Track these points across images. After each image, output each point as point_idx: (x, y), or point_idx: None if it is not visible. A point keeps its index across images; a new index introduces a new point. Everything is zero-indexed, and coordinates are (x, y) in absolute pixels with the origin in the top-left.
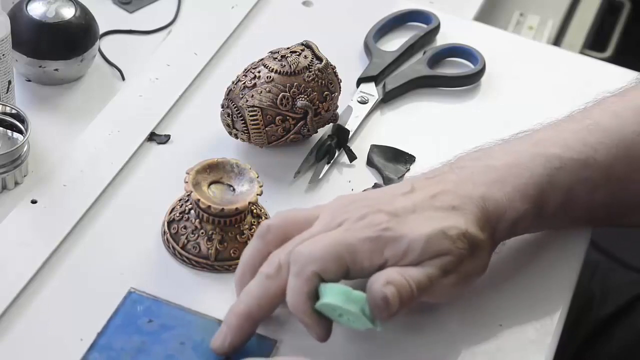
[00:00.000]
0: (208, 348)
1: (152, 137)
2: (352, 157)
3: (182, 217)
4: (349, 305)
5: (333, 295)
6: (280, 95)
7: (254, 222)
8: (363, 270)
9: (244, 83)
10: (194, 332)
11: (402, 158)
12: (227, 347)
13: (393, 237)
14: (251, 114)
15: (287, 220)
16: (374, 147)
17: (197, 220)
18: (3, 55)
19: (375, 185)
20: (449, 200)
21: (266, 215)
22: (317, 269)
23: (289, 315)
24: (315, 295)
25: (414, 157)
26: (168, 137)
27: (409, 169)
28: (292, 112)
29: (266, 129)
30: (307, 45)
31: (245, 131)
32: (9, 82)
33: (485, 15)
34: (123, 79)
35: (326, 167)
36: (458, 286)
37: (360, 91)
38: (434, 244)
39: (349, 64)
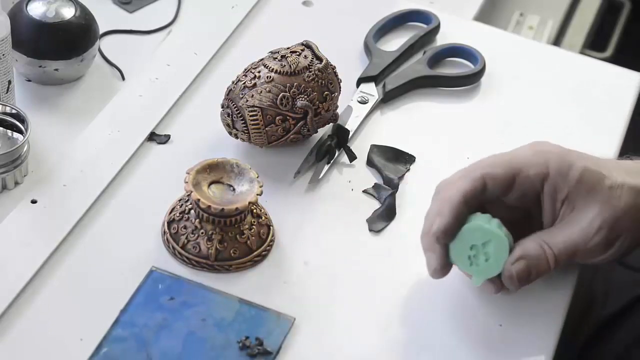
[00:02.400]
0: (229, 325)
1: (152, 137)
2: (352, 157)
3: (182, 217)
4: (498, 229)
5: (483, 220)
6: (280, 95)
7: (254, 222)
8: (527, 181)
9: (244, 83)
10: (215, 309)
11: (402, 158)
12: (433, 268)
13: (557, 154)
14: (251, 114)
15: None
16: (374, 147)
17: (197, 220)
18: (3, 55)
19: (375, 185)
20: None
21: (266, 215)
22: (484, 172)
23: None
24: (468, 201)
25: (414, 157)
26: (168, 137)
27: (409, 169)
28: (292, 112)
29: (266, 129)
30: (307, 45)
31: (245, 131)
32: (9, 82)
33: (485, 15)
34: (123, 79)
35: (326, 167)
36: (606, 250)
37: (360, 91)
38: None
39: (349, 64)
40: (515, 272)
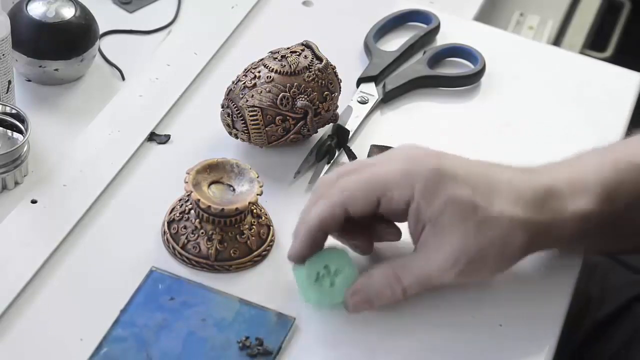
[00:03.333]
0: (229, 325)
1: (152, 137)
2: (352, 157)
3: (182, 217)
4: (351, 266)
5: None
6: (280, 95)
7: (254, 222)
8: (392, 202)
9: (244, 83)
10: (215, 309)
11: None
12: (294, 254)
13: (426, 177)
14: (251, 114)
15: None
16: (374, 147)
17: (197, 220)
18: (3, 55)
19: None
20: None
21: (266, 215)
22: (344, 197)
23: None
24: (324, 228)
25: None
26: (168, 137)
27: None
28: (292, 112)
29: (266, 129)
30: (307, 45)
31: (245, 131)
32: (9, 82)
33: (485, 15)
34: (123, 79)
35: (326, 167)
36: (466, 279)
37: (360, 91)
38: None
39: (349, 64)
40: (352, 304)
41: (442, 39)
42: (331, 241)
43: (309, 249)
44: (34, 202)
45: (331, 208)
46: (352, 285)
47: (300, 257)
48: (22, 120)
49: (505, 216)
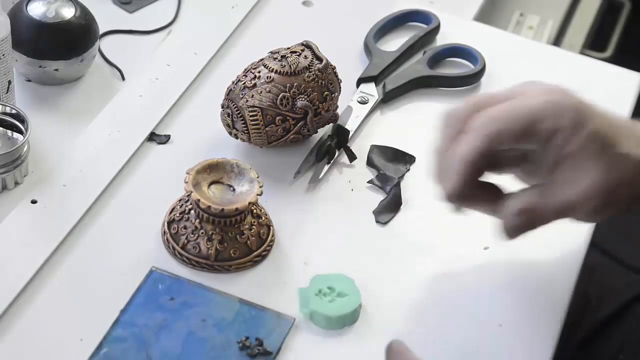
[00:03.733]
0: (229, 325)
1: (152, 137)
2: (352, 157)
3: (182, 217)
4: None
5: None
6: (280, 96)
7: (254, 222)
8: (540, 133)
9: (244, 83)
10: (215, 309)
11: (402, 158)
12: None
13: (572, 108)
14: (251, 114)
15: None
16: (374, 147)
17: (197, 220)
18: (3, 55)
19: (379, 176)
20: None
21: (266, 215)
22: (495, 129)
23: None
24: (481, 163)
25: (414, 157)
26: (168, 137)
27: (409, 169)
28: (292, 112)
29: (266, 129)
30: (307, 45)
31: (245, 131)
32: (9, 82)
33: (485, 15)
34: (123, 79)
35: (326, 167)
36: (599, 215)
37: (360, 91)
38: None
39: (349, 64)
40: (518, 223)
41: (442, 39)
42: (340, 269)
43: (469, 186)
44: (34, 202)
45: (485, 139)
46: (510, 208)
47: (460, 196)
48: (22, 120)
49: (633, 155)
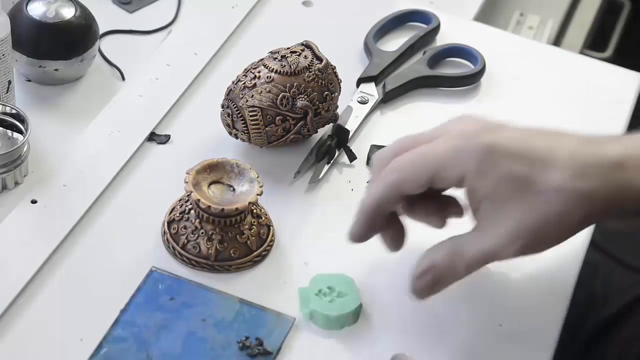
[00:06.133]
0: (229, 325)
1: (152, 137)
2: (352, 157)
3: (182, 217)
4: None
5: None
6: (280, 95)
7: (254, 222)
8: (445, 181)
9: (244, 83)
10: (215, 309)
11: None
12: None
13: (480, 151)
14: (251, 114)
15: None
16: (374, 147)
17: (197, 220)
18: (3, 55)
19: None
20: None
21: (266, 215)
22: (398, 177)
23: None
24: (380, 209)
25: None
26: (168, 137)
27: None
28: (292, 112)
29: (266, 129)
30: (307, 45)
31: (245, 131)
32: (9, 82)
33: (485, 15)
34: (123, 79)
35: (326, 167)
36: (528, 254)
37: (360, 91)
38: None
39: (349, 64)
40: (419, 287)
41: (442, 39)
42: (340, 269)
43: (368, 230)
44: (34, 202)
45: (385, 189)
46: (417, 269)
47: (359, 238)
48: (22, 120)
49: (564, 190)
